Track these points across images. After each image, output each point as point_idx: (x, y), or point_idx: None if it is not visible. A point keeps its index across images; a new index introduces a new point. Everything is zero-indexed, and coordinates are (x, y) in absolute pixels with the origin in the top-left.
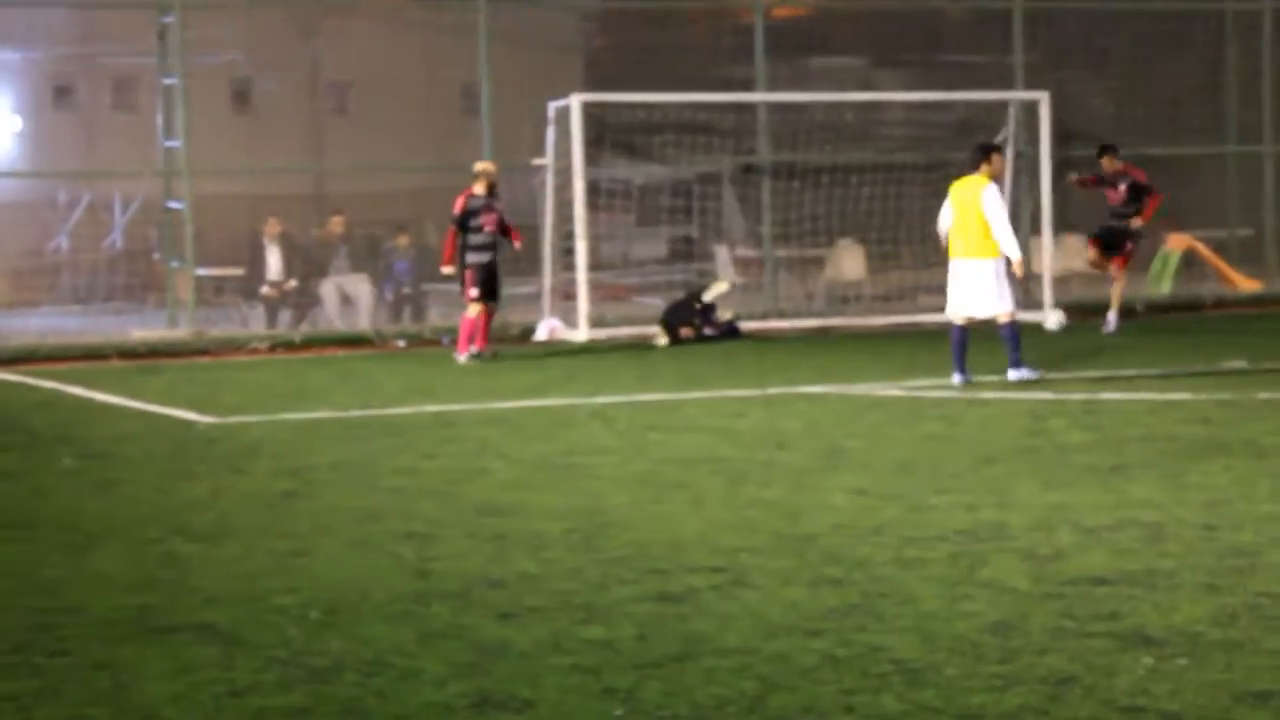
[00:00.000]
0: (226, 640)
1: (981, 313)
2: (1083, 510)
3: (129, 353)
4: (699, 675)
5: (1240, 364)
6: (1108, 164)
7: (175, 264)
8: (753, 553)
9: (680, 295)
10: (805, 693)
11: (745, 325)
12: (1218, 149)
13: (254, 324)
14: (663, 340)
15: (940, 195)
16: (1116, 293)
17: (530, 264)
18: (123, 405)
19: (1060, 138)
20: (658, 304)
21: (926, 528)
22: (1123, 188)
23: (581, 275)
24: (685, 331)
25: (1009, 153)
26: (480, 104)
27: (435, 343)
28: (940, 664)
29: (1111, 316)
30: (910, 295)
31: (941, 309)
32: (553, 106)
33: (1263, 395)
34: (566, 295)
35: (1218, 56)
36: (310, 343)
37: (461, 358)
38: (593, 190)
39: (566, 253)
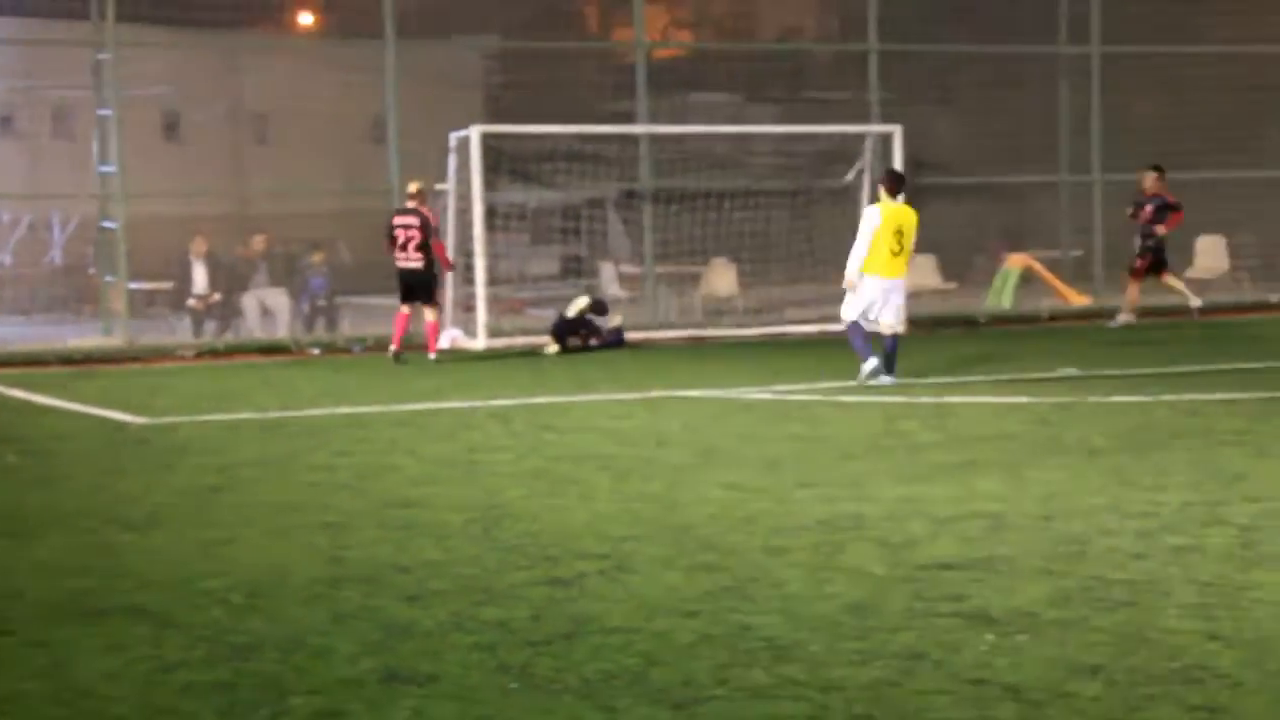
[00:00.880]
0: (157, 621)
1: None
2: (932, 503)
3: (67, 359)
4: (587, 652)
5: (1073, 371)
6: (1152, 183)
7: (109, 278)
8: (636, 541)
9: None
10: (683, 668)
11: (629, 335)
12: (1052, 178)
13: (181, 333)
14: (553, 348)
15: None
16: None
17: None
18: (61, 407)
19: (912, 167)
20: (549, 316)
21: (792, 518)
22: (1149, 208)
23: (480, 290)
24: (573, 340)
25: (865, 180)
26: (388, 134)
27: (347, 351)
28: (804, 641)
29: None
30: (778, 308)
31: (806, 321)
32: (454, 136)
33: (1093, 399)
34: (467, 308)
35: (1052, 94)
36: (233, 350)
37: (431, 356)
38: (491, 213)
39: (467, 269)
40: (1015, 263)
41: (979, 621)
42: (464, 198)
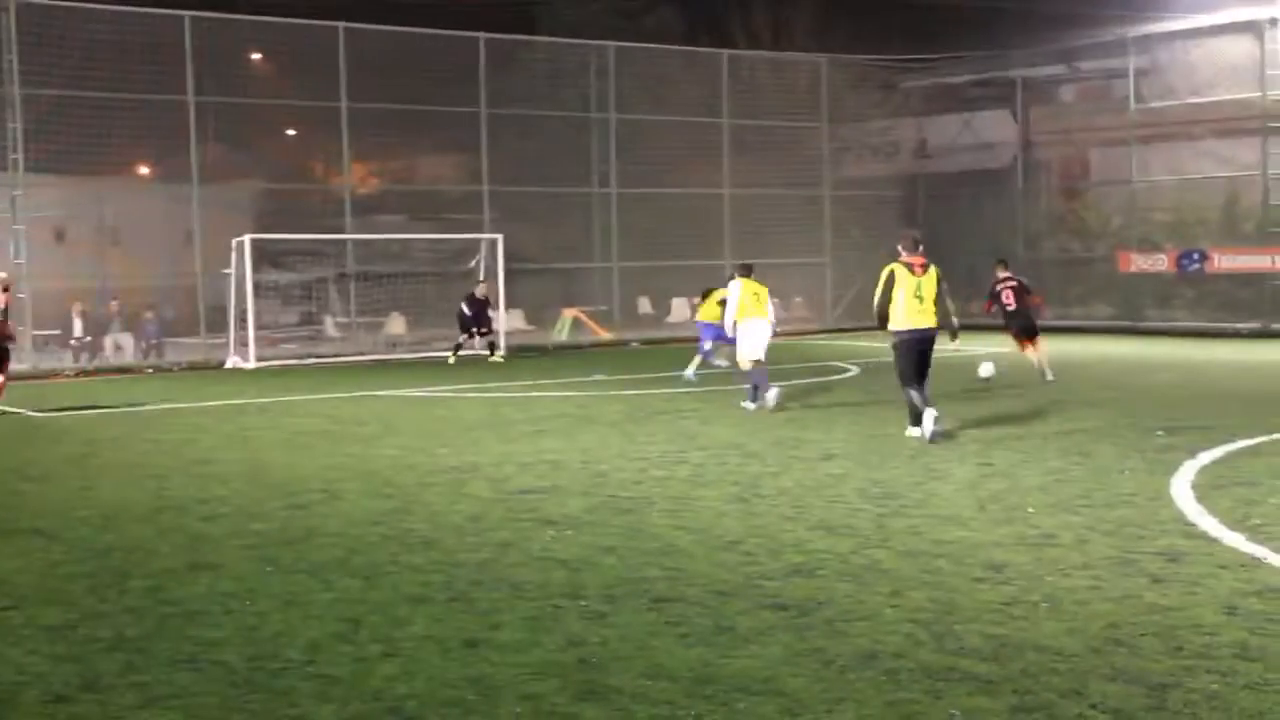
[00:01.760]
0: (47, 537)
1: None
2: (519, 455)
3: None
4: (314, 548)
5: (601, 375)
6: (1001, 270)
7: (20, 327)
8: (343, 481)
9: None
10: (372, 555)
11: (341, 359)
12: (590, 264)
13: (65, 361)
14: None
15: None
16: (1044, 356)
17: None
18: None
19: (508, 257)
20: (293, 348)
21: (436, 465)
22: (1008, 291)
23: (251, 331)
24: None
25: (483, 265)
26: (195, 239)
27: (169, 370)
28: (444, 537)
29: (1048, 371)
30: (429, 342)
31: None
32: (235, 241)
33: (614, 391)
34: (243, 343)
35: (590, 215)
36: (98, 371)
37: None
38: (257, 286)
39: (243, 318)
40: (569, 313)
41: (544, 524)
42: (240, 279)
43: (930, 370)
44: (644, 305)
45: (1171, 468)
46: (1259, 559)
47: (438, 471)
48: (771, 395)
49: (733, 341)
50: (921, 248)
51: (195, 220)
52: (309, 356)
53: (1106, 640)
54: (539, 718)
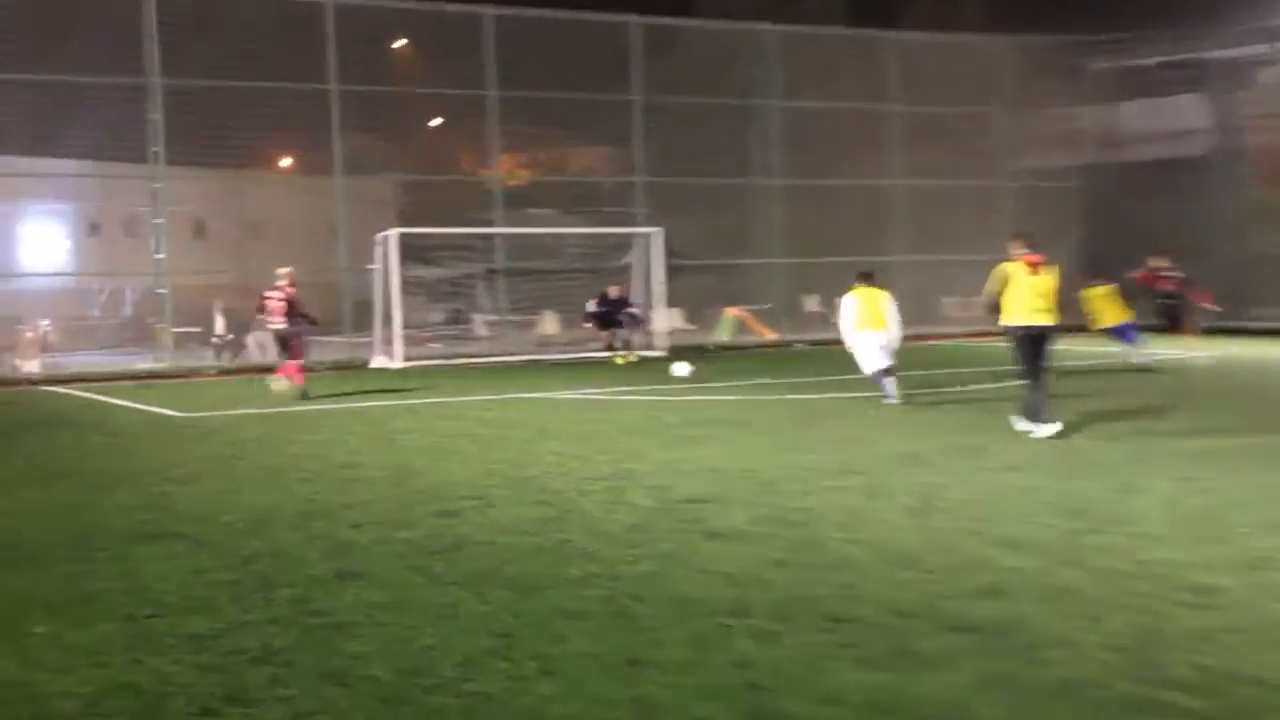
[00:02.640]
0: (192, 541)
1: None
2: (681, 462)
3: (134, 376)
4: (465, 557)
5: (766, 379)
6: (1163, 260)
7: (160, 324)
8: (496, 488)
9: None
10: (526, 567)
11: (491, 359)
12: (753, 260)
13: (207, 359)
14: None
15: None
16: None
17: (366, 323)
18: (132, 407)
19: (667, 253)
20: (439, 347)
21: (594, 472)
22: (1167, 280)
23: (398, 330)
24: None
25: (637, 262)
26: (339, 233)
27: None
28: (602, 549)
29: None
30: (583, 341)
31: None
32: (379, 236)
33: (776, 396)
34: (388, 341)
35: (752, 209)
36: (241, 370)
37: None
38: (404, 282)
39: (387, 316)
40: (731, 312)
41: (709, 535)
42: (385, 274)
43: (1047, 365)
44: (810, 303)
45: None
46: None
47: (594, 479)
48: (890, 386)
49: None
50: (1036, 248)
51: (340, 214)
52: (457, 356)
53: None
54: None
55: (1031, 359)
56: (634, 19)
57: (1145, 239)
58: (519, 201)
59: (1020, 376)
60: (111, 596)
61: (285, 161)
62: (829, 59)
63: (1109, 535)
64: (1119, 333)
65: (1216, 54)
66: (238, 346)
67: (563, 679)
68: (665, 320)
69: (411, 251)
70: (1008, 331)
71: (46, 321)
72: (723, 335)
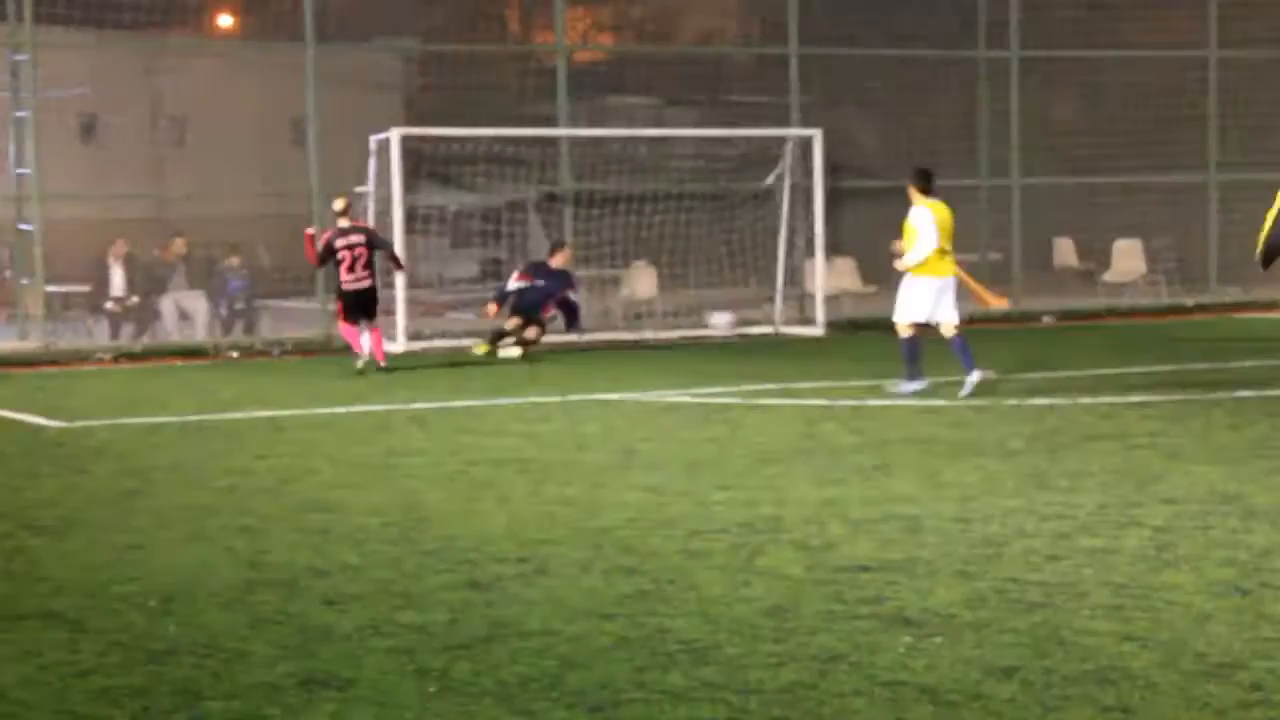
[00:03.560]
0: (71, 626)
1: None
2: (850, 505)
3: None
4: (505, 655)
5: (990, 374)
6: None
7: (25, 281)
8: (553, 544)
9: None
10: (600, 671)
11: (546, 339)
12: (971, 182)
13: (99, 336)
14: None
15: (724, 221)
16: None
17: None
18: None
19: (831, 170)
20: (469, 319)
21: (710, 521)
22: None
23: (400, 293)
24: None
25: (786, 183)
26: (308, 136)
27: (266, 354)
28: (722, 644)
29: None
30: (696, 312)
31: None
32: (374, 140)
33: (1011, 401)
34: (386, 311)
35: (970, 99)
36: (150, 354)
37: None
38: (411, 216)
39: (386, 272)
40: None
41: (895, 623)
42: (384, 201)
43: None
44: (1064, 252)
45: None
46: None
47: (712, 531)
48: (910, 388)
49: None
50: None
51: (309, 103)
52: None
53: None
54: None
55: None
56: None
57: None
58: (597, 86)
59: None
60: None
61: (225, 20)
62: None
63: None
64: None
65: None
66: (147, 315)
67: None
68: (828, 277)
69: (427, 164)
70: None
71: None
72: None
